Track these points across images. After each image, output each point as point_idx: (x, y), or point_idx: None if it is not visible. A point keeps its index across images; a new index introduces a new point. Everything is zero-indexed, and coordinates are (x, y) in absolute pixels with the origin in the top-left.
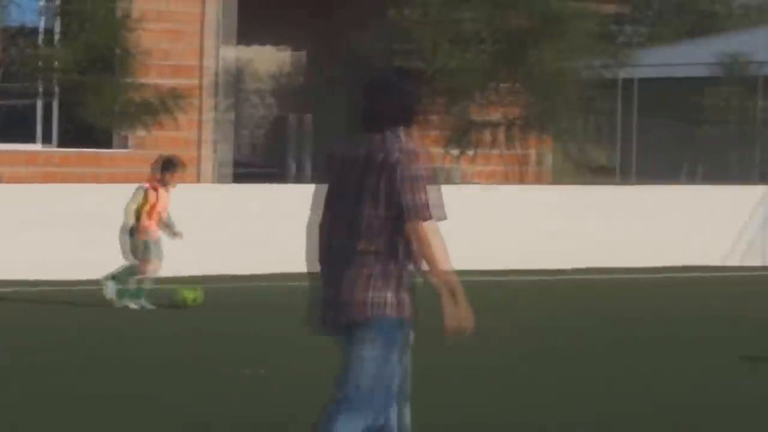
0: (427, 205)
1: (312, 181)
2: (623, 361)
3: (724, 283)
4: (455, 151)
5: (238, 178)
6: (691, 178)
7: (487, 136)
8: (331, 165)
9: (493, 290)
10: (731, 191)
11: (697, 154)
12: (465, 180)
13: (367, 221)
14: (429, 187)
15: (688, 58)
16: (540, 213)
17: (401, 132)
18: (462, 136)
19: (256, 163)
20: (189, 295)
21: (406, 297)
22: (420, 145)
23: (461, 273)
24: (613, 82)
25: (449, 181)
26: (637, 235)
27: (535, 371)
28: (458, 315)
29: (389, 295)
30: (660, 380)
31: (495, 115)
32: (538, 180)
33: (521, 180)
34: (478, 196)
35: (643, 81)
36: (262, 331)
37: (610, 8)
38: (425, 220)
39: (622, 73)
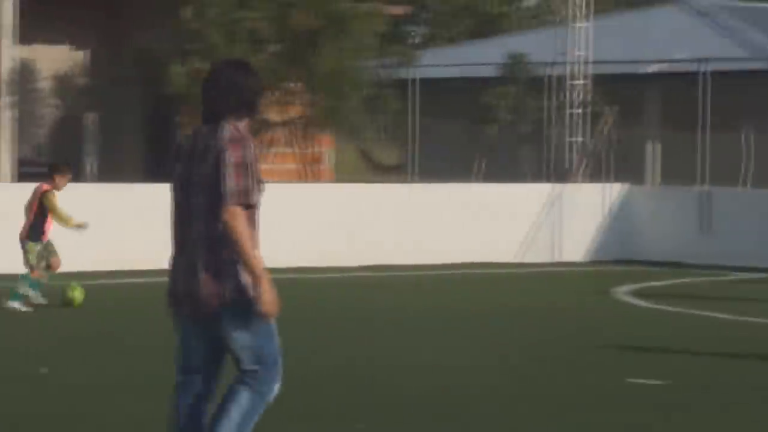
0: (244, 191)
1: (99, 180)
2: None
3: (508, 280)
4: None
5: (23, 177)
6: (481, 177)
7: (278, 135)
8: (176, 157)
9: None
10: (521, 189)
11: (487, 153)
12: None
13: (205, 209)
14: (250, 175)
15: (475, 57)
16: (325, 211)
17: (236, 122)
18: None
19: (44, 162)
20: (77, 294)
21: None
22: (250, 134)
23: None
24: (402, 82)
25: None
26: (427, 233)
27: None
28: (265, 300)
29: (239, 279)
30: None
31: (285, 115)
32: (331, 178)
33: (316, 178)
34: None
35: (432, 80)
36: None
37: (395, 9)
38: (241, 205)
39: (410, 73)
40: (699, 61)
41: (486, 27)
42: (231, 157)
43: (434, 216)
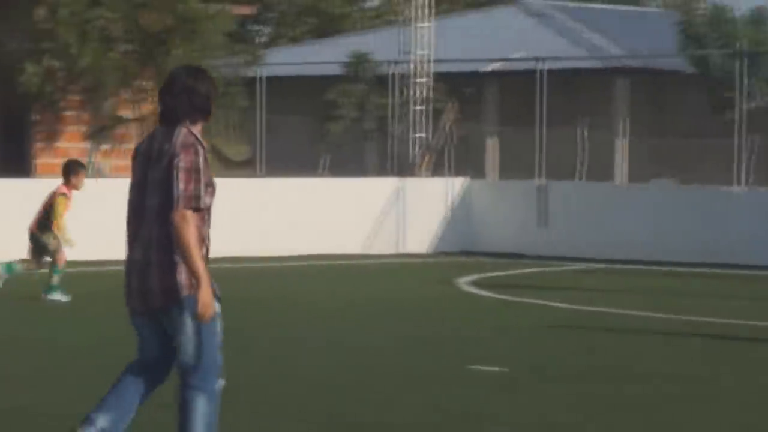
0: (194, 196)
1: None
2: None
3: (354, 271)
4: (92, 146)
5: None
6: (327, 172)
7: (131, 132)
8: (134, 159)
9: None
10: (365, 183)
11: (333, 149)
12: (100, 175)
13: (158, 210)
14: (201, 180)
15: (320, 56)
16: None
17: (190, 126)
18: (99, 132)
19: None
20: None
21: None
22: (203, 138)
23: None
24: (249, 80)
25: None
26: (275, 226)
27: None
28: (202, 302)
29: (190, 277)
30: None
31: (137, 112)
32: None
33: None
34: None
35: (278, 78)
36: None
37: (242, 9)
38: (190, 209)
39: (257, 71)
40: (536, 59)
41: (329, 26)
42: (182, 162)
43: (281, 209)
